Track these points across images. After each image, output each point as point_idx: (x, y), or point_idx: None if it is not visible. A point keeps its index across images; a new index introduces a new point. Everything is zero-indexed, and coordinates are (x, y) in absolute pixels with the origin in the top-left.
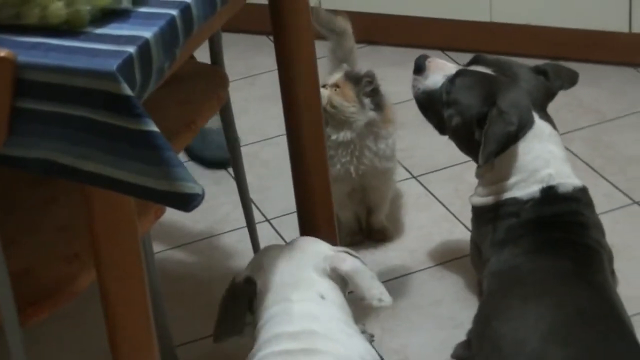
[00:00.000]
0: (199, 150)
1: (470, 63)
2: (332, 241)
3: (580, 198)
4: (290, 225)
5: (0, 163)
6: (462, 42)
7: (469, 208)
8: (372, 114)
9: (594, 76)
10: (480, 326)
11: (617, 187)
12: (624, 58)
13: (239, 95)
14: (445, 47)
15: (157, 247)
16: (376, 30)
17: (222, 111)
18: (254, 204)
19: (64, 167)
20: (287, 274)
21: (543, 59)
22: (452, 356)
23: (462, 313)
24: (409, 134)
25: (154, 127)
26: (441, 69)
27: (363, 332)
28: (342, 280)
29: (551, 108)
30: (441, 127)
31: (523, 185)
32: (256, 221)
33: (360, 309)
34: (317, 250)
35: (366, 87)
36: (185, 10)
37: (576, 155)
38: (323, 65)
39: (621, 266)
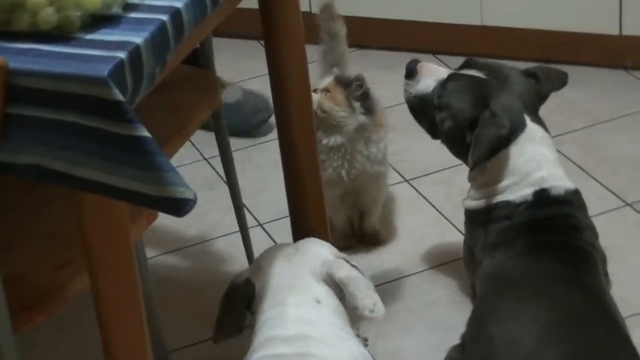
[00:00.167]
0: (242, 126)
1: (462, 67)
2: None
3: (572, 200)
4: (283, 230)
5: None
6: (453, 46)
7: (461, 211)
8: (362, 118)
9: (585, 78)
10: (474, 329)
11: (609, 189)
12: (615, 60)
13: None
14: (436, 51)
15: (150, 253)
16: (367, 34)
17: (214, 116)
18: (247, 208)
19: (55, 172)
20: (284, 278)
21: (534, 61)
22: (446, 359)
23: (455, 316)
24: (400, 138)
25: (145, 133)
26: (433, 73)
27: (357, 336)
28: (338, 286)
29: (542, 110)
30: (433, 131)
31: (515, 188)
32: (249, 226)
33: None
34: (317, 254)
35: (356, 91)
36: (176, 15)
37: (568, 158)
38: (313, 69)
39: (614, 268)
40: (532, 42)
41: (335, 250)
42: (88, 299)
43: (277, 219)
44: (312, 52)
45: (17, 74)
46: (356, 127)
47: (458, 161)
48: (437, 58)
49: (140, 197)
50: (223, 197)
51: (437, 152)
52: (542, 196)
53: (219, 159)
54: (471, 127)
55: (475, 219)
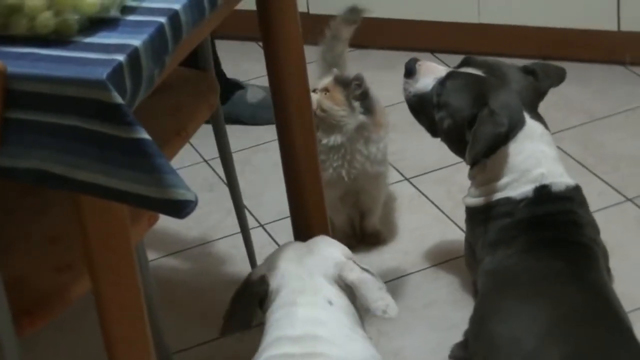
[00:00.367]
0: (250, 122)
1: (461, 65)
2: None
3: (573, 197)
4: (284, 230)
5: None
6: (451, 44)
7: (462, 209)
8: (362, 118)
9: (583, 75)
10: (476, 326)
11: (610, 185)
12: (613, 56)
13: None
14: (434, 49)
15: (151, 255)
16: (365, 33)
17: (213, 118)
18: (247, 209)
19: (55, 176)
20: (296, 278)
21: (532, 58)
22: (450, 357)
23: (457, 314)
24: (400, 137)
25: (145, 135)
26: (432, 71)
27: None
28: (349, 287)
29: (541, 107)
30: (433, 129)
31: (516, 185)
32: (250, 227)
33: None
34: (329, 255)
35: (355, 90)
36: (174, 17)
37: (568, 154)
38: (312, 69)
39: (616, 263)
40: (530, 39)
41: (346, 250)
42: (90, 301)
43: (278, 220)
44: (310, 53)
45: (16, 79)
46: (356, 127)
47: (458, 159)
48: (436, 57)
49: (140, 200)
50: (223, 198)
51: (437, 150)
52: (543, 193)
53: (218, 160)
54: (470, 125)
55: (476, 217)
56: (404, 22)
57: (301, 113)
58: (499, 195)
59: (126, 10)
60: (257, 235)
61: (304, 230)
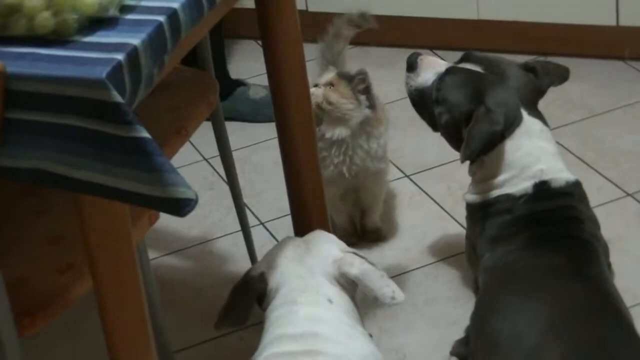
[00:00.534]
0: (250, 118)
1: (461, 60)
2: None
3: (573, 192)
4: (285, 228)
5: None
6: (450, 41)
7: (462, 205)
8: (367, 112)
9: (582, 70)
10: (477, 323)
11: (610, 180)
12: (612, 51)
13: None
14: (433, 46)
15: (151, 254)
16: (364, 31)
17: (213, 116)
18: (248, 207)
19: (56, 176)
20: (297, 278)
21: (531, 54)
22: (451, 353)
23: (458, 310)
24: (400, 134)
25: (145, 134)
26: (432, 66)
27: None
28: (351, 283)
29: (540, 104)
30: (433, 124)
31: (515, 182)
32: (250, 225)
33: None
34: (327, 253)
35: (359, 85)
36: (173, 16)
37: (568, 150)
38: (310, 67)
39: (616, 258)
40: (529, 35)
41: (342, 244)
42: (91, 301)
43: (278, 218)
44: (309, 51)
45: (16, 79)
46: (361, 121)
47: (458, 155)
48: (435, 53)
49: (141, 198)
50: (223, 197)
51: (437, 147)
52: (543, 189)
53: (218, 159)
54: (467, 121)
55: (476, 213)
56: (403, 19)
57: (301, 110)
58: (498, 192)
59: (125, 9)
60: (257, 233)
61: (304, 228)
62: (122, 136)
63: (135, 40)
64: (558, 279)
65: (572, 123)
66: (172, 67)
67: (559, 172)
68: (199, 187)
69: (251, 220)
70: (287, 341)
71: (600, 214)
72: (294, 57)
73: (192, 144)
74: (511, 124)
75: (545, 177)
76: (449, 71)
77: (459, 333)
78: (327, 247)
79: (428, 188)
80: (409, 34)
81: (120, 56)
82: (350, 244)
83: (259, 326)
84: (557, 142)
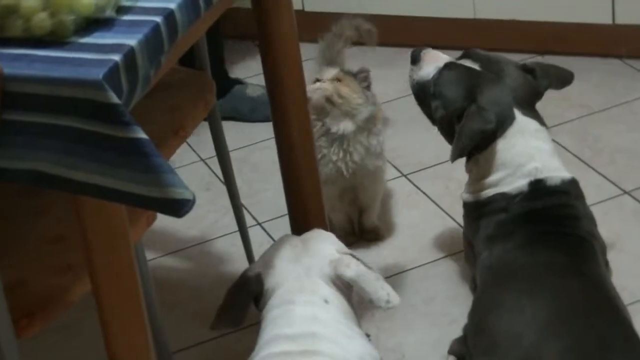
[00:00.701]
0: (246, 116)
1: (462, 57)
2: None
3: (570, 190)
4: (282, 228)
5: None
6: (447, 40)
7: (460, 204)
8: (372, 108)
9: (579, 69)
10: (475, 321)
11: (607, 178)
12: (609, 50)
13: None
14: (430, 46)
15: (149, 255)
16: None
17: (210, 117)
18: (245, 208)
19: (53, 177)
20: (294, 278)
21: (528, 53)
22: (449, 352)
23: (456, 309)
24: (397, 133)
25: (142, 135)
26: (435, 60)
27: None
28: (347, 284)
29: (537, 102)
30: (432, 118)
31: (509, 180)
32: (248, 225)
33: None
34: (324, 253)
35: (362, 82)
36: (169, 16)
37: (565, 148)
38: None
39: (613, 256)
40: (526, 34)
41: (339, 244)
42: (88, 303)
43: (275, 218)
44: (305, 50)
45: (12, 80)
46: (366, 117)
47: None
48: None
49: (139, 199)
50: (221, 197)
51: (434, 146)
52: (538, 187)
53: (215, 159)
54: (459, 118)
55: (473, 212)
56: (400, 18)
57: (298, 110)
58: (494, 191)
59: (121, 10)
60: (255, 234)
61: (302, 228)
62: (119, 137)
63: (132, 41)
64: (556, 277)
65: (570, 121)
66: (169, 67)
67: (555, 171)
68: (196, 187)
69: (249, 221)
70: (284, 341)
71: (597, 211)
72: (290, 56)
73: (189, 144)
74: (503, 123)
75: (540, 176)
76: (447, 66)
77: (457, 332)
78: (323, 247)
79: (425, 187)
80: (406, 33)
81: (117, 57)
82: (348, 243)
83: (256, 327)
84: (554, 140)
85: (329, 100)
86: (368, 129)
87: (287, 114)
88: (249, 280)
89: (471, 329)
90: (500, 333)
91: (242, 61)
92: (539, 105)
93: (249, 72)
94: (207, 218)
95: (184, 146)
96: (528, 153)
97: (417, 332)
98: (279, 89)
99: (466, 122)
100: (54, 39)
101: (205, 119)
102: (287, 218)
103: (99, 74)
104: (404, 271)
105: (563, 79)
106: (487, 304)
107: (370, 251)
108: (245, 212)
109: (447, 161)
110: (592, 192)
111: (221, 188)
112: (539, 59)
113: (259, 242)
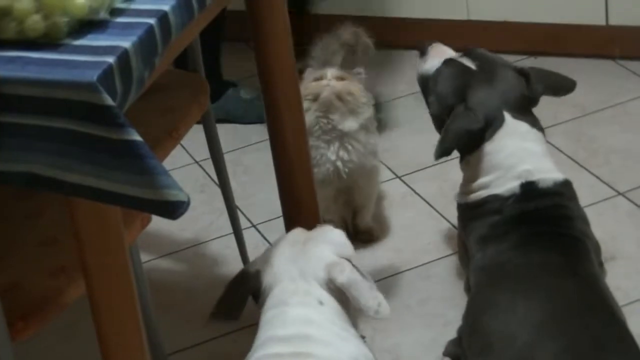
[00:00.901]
0: (240, 118)
1: (464, 54)
2: None
3: (562, 192)
4: (277, 230)
5: None
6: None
7: (454, 206)
8: (372, 109)
9: (573, 70)
10: (470, 322)
11: (600, 179)
12: (602, 50)
13: None
14: None
15: (144, 257)
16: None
17: (204, 118)
18: (240, 210)
19: (48, 179)
20: (289, 280)
21: (521, 54)
22: (444, 354)
23: (451, 310)
24: (391, 135)
25: (137, 137)
26: (440, 55)
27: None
28: (339, 289)
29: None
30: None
31: (501, 182)
32: (242, 227)
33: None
34: (321, 255)
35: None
36: (163, 18)
37: (559, 149)
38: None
39: (607, 257)
40: (519, 35)
41: (343, 246)
42: (83, 305)
43: (270, 220)
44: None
45: (6, 82)
46: (369, 116)
47: (450, 156)
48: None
49: (133, 201)
50: (215, 199)
51: (428, 147)
52: (530, 189)
53: (209, 161)
54: (448, 115)
55: (467, 214)
56: (393, 20)
57: (292, 112)
58: (486, 193)
59: (115, 12)
60: (249, 236)
61: None
62: (114, 139)
63: (125, 43)
64: (550, 277)
65: (563, 122)
66: (163, 69)
67: (547, 173)
68: (190, 189)
69: (243, 223)
70: (277, 343)
71: (591, 213)
72: (284, 58)
73: (183, 146)
74: (491, 125)
75: (531, 178)
76: (445, 62)
77: (452, 333)
78: (322, 249)
79: (420, 188)
80: (399, 35)
81: (111, 59)
82: None
83: (252, 328)
84: (549, 142)
85: (338, 97)
86: (366, 127)
87: (281, 115)
88: (248, 276)
89: (466, 330)
90: (495, 334)
91: (235, 62)
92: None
93: (243, 73)
94: (202, 220)
95: (178, 148)
96: (518, 155)
97: (412, 333)
98: (272, 90)
99: (452, 121)
100: (47, 41)
101: (199, 121)
102: (281, 220)
103: (93, 76)
104: (398, 272)
105: (563, 86)
106: (482, 305)
107: (364, 253)
108: (239, 214)
109: (441, 162)
110: (587, 193)
111: (215, 190)
112: (532, 60)
113: (254, 244)
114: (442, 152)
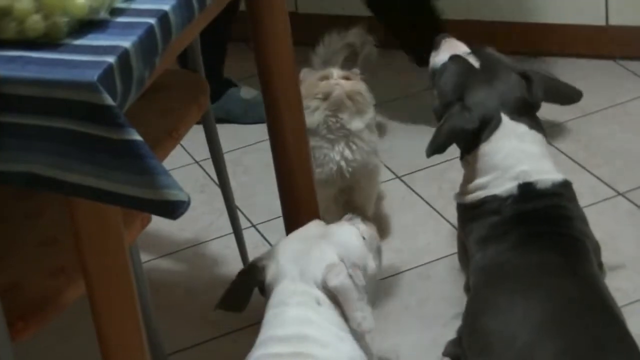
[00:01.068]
0: (240, 118)
1: (472, 52)
2: None
3: (561, 192)
4: (277, 230)
5: None
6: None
7: (454, 206)
8: (373, 109)
9: (573, 70)
10: (469, 323)
11: (601, 180)
12: (602, 51)
13: None
14: None
15: (144, 257)
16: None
17: (204, 118)
18: (239, 210)
19: (47, 179)
20: (289, 279)
21: (521, 55)
22: (444, 354)
23: (451, 311)
24: (391, 135)
25: (137, 136)
26: (451, 49)
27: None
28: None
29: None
30: None
31: (499, 183)
32: (242, 227)
33: None
34: (322, 257)
35: None
36: (163, 18)
37: (559, 150)
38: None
39: (607, 258)
40: (519, 36)
41: (351, 249)
42: (83, 306)
43: (270, 220)
44: (298, 53)
45: (7, 82)
46: (373, 115)
47: (449, 156)
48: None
49: (133, 201)
50: (215, 199)
51: None
52: (528, 190)
53: (209, 161)
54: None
55: (466, 214)
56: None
57: (292, 112)
58: (485, 193)
59: (115, 12)
60: (249, 236)
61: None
62: (114, 139)
63: (126, 42)
64: (549, 277)
65: (564, 122)
66: (163, 69)
67: (545, 173)
68: (190, 189)
69: (243, 223)
70: (276, 343)
71: (591, 213)
72: (284, 59)
73: (183, 146)
74: (488, 125)
75: (529, 179)
76: (451, 58)
77: (452, 333)
78: (327, 249)
79: (419, 189)
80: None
81: (111, 59)
82: None
83: (252, 328)
84: (549, 142)
85: (348, 96)
86: (370, 127)
87: (280, 115)
88: (255, 269)
89: (465, 330)
90: (494, 334)
91: (235, 63)
92: None
93: (243, 73)
94: (202, 220)
95: (178, 148)
96: (515, 156)
97: (411, 333)
98: (272, 91)
99: (447, 119)
100: (47, 41)
101: (198, 121)
102: (281, 220)
103: (93, 75)
104: (398, 273)
105: (566, 96)
106: (481, 306)
107: None
108: (239, 214)
109: (440, 163)
110: (587, 193)
111: (215, 190)
112: (532, 60)
113: (254, 244)
114: (434, 150)
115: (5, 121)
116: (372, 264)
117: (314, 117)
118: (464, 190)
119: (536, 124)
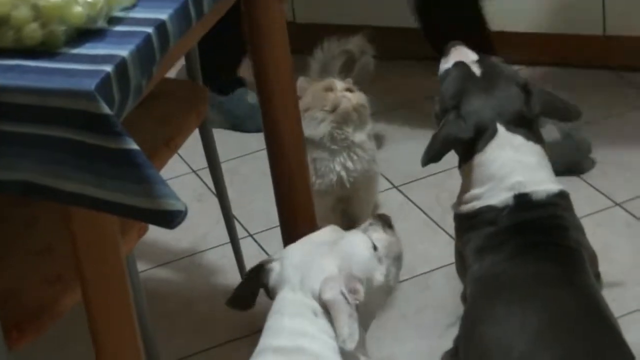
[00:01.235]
0: (242, 120)
1: (477, 60)
2: None
3: (557, 203)
4: (274, 240)
5: None
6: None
7: (451, 216)
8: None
9: (570, 80)
10: (466, 333)
11: (598, 190)
12: (599, 61)
13: None
14: (419, 57)
15: (140, 266)
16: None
17: (201, 127)
18: (237, 219)
19: (44, 188)
20: (289, 288)
21: (518, 64)
22: None
23: (447, 321)
24: (388, 145)
25: (134, 146)
26: (459, 57)
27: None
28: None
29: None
30: None
31: (494, 193)
32: (239, 237)
33: None
34: (321, 268)
35: None
36: (161, 27)
37: None
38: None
39: (605, 268)
40: (516, 46)
41: (356, 263)
42: (79, 314)
43: (267, 229)
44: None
45: (4, 91)
46: (372, 126)
47: (446, 166)
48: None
49: (130, 210)
50: (212, 209)
51: None
52: (524, 200)
53: (207, 171)
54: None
55: (463, 224)
56: (386, 29)
57: (289, 121)
58: (481, 203)
59: (113, 20)
60: (246, 245)
61: (293, 240)
62: (111, 148)
63: (123, 51)
64: (546, 287)
65: None
66: (160, 78)
67: (540, 184)
68: (187, 199)
69: (240, 232)
70: (272, 353)
71: (589, 223)
72: (282, 68)
73: (180, 155)
74: (482, 135)
75: (524, 190)
76: (455, 65)
77: (448, 343)
78: (330, 261)
79: (416, 198)
80: (397, 46)
81: (108, 68)
82: None
83: (249, 338)
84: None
85: (355, 108)
86: (369, 136)
87: (278, 124)
88: (262, 271)
89: (462, 340)
90: (491, 344)
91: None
92: None
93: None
94: (199, 229)
95: (175, 157)
96: (510, 167)
97: (408, 343)
98: (270, 100)
99: (442, 127)
100: (45, 50)
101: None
102: (278, 230)
103: (91, 84)
104: None
105: (564, 114)
106: (478, 315)
107: None
108: (236, 223)
109: (438, 172)
110: (584, 204)
111: (212, 199)
112: (529, 70)
113: (251, 254)
114: (429, 158)
115: (2, 129)
116: (378, 277)
117: (319, 128)
118: (460, 200)
119: (534, 135)
